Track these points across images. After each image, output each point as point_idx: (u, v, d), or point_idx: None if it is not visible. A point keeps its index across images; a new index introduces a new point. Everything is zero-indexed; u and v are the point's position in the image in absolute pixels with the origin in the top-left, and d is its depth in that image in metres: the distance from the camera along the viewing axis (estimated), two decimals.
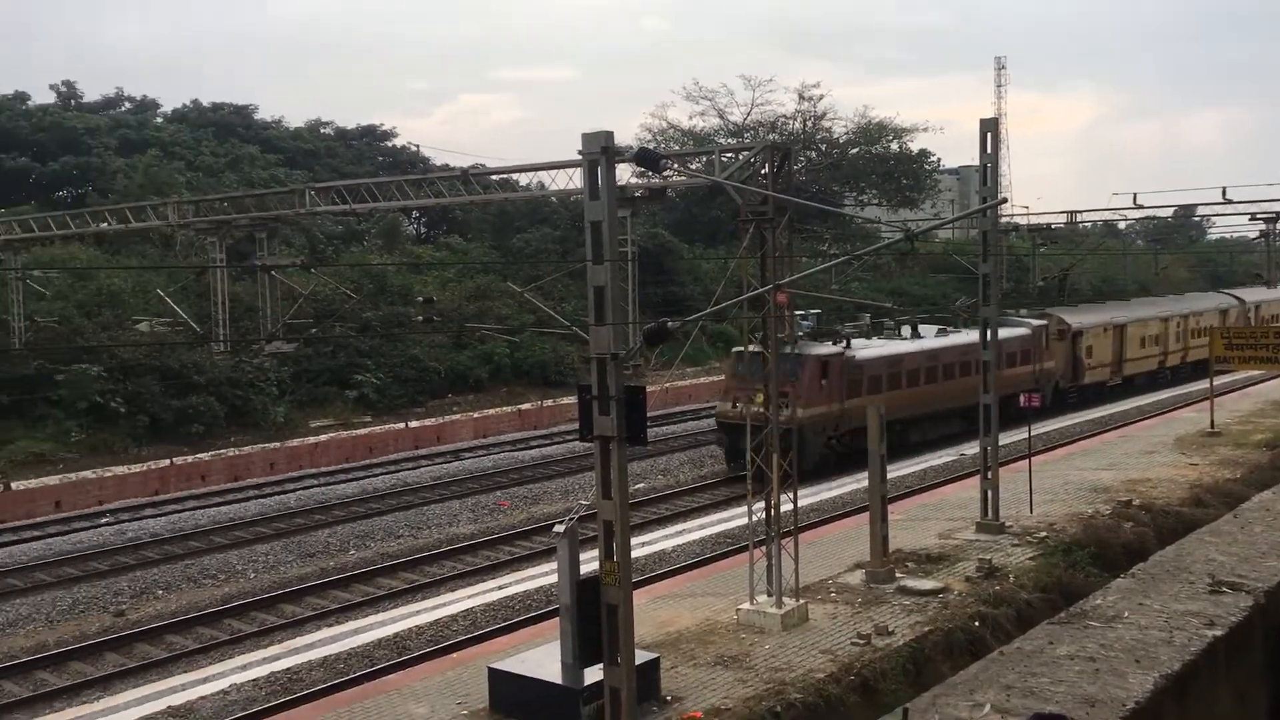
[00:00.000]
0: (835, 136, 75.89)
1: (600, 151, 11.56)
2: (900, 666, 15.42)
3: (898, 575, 19.00)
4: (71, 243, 41.00)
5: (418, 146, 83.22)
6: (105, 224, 31.81)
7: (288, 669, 17.72)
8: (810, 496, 27.85)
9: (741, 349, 30.56)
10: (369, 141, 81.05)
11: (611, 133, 11.69)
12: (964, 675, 11.48)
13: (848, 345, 32.69)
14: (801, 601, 17.20)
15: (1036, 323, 41.24)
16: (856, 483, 27.45)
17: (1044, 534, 21.39)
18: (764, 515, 16.83)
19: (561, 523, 13.87)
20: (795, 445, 17.88)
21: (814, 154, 75.29)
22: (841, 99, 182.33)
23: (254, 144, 68.92)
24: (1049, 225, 67.57)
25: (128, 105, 74.80)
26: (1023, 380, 36.88)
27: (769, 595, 17.07)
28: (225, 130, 71.11)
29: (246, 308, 36.84)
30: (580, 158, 11.86)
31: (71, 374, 34.92)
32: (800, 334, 32.63)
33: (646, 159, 12.11)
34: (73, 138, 60.98)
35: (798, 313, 35.38)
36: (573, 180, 22.34)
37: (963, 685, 11.08)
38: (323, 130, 79.81)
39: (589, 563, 13.31)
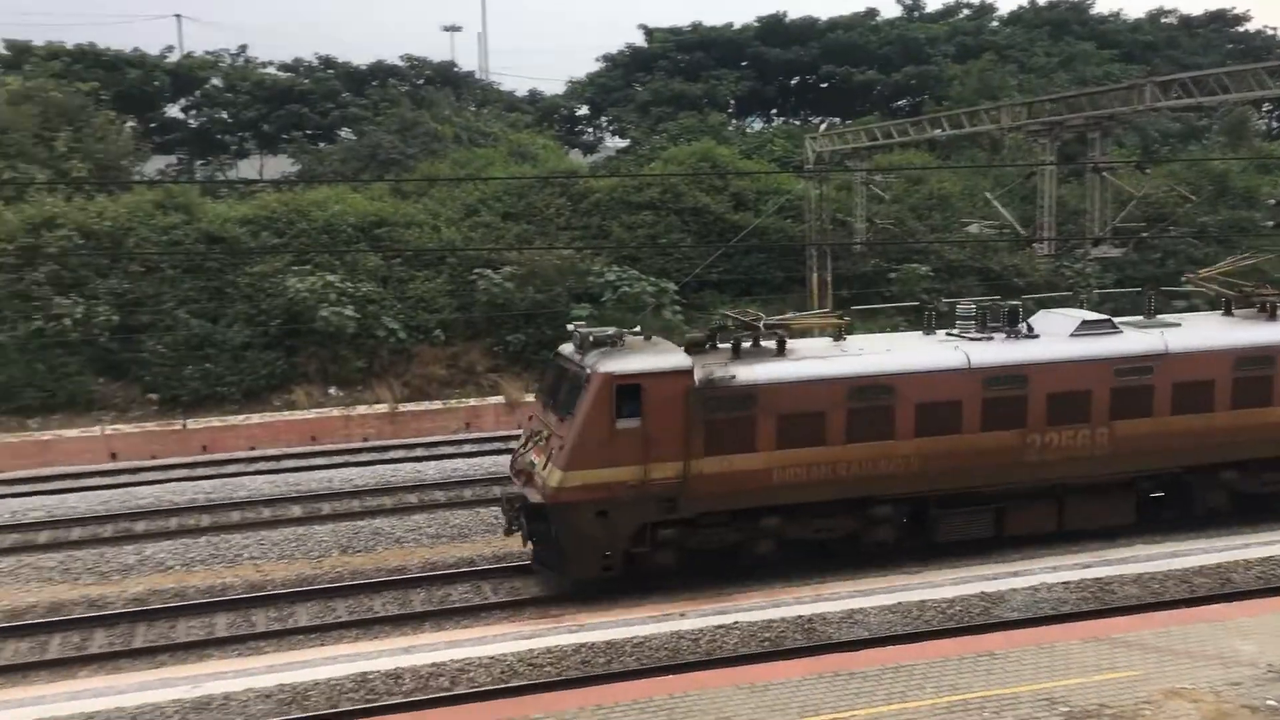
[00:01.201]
0: None
1: None
2: None
3: None
4: (908, 149, 43.93)
5: (1275, 30, 73.34)
6: (939, 130, 33.22)
7: (1097, 579, 17.55)
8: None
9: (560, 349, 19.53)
10: (1216, 28, 73.36)
11: None
12: None
13: (736, 349, 18.47)
14: None
15: None
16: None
17: None
18: None
19: None
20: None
21: None
22: None
23: (1089, 40, 66.56)
24: None
25: (965, 12, 76.74)
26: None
27: None
28: (1059, 29, 69.58)
29: (1072, 211, 36.16)
30: None
31: (902, 273, 37.65)
32: (601, 337, 18.24)
33: None
34: (915, 48, 64.55)
35: None
36: None
37: None
38: (1164, 20, 74.10)
39: None
